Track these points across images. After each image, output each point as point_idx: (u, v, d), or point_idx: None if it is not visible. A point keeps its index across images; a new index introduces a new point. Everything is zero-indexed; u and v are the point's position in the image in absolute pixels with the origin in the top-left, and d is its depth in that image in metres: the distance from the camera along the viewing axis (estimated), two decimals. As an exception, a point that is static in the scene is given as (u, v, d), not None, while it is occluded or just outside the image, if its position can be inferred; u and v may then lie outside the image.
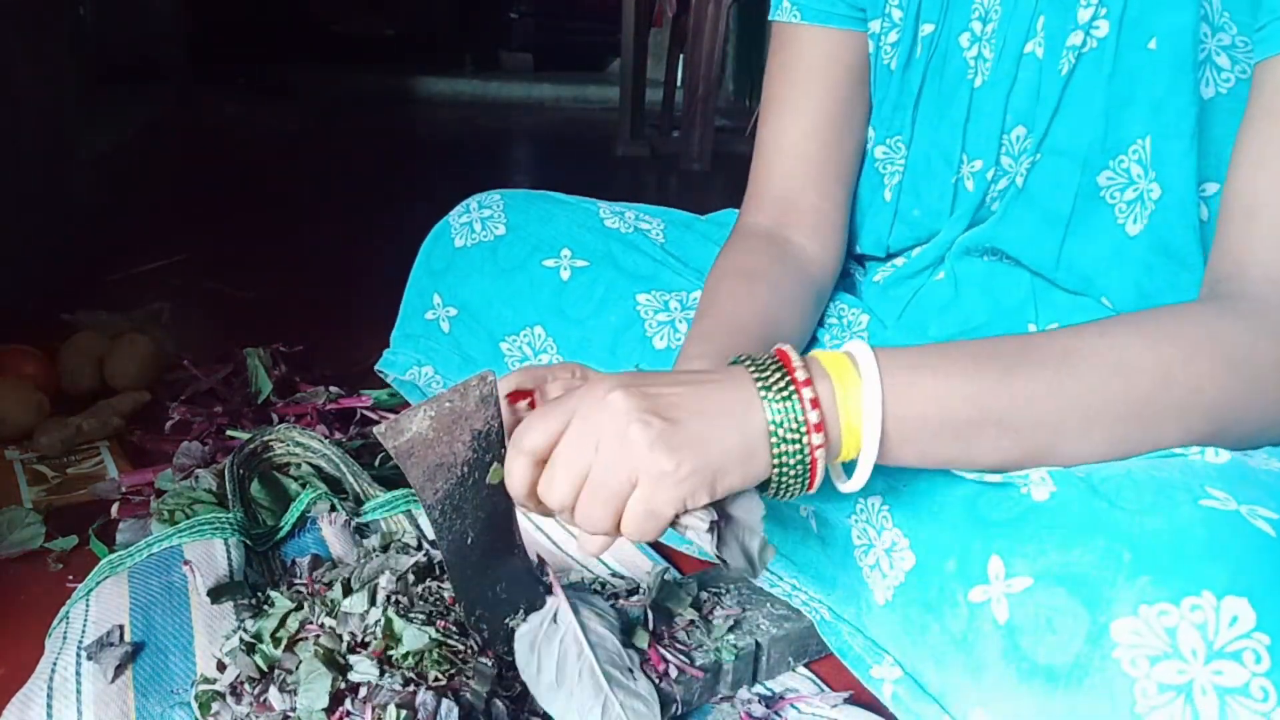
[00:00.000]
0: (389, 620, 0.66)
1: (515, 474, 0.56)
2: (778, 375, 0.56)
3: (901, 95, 0.82)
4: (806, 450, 0.55)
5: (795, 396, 0.55)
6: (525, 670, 0.65)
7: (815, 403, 0.55)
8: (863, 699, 0.71)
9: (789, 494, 0.57)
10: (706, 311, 0.77)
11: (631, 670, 0.60)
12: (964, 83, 0.78)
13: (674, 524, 0.55)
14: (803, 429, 0.54)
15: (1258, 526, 0.48)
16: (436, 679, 0.64)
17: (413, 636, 0.65)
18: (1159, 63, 0.67)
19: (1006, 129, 0.76)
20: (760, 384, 0.55)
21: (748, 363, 0.57)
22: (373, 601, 0.70)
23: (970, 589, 0.56)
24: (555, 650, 0.65)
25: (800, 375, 0.55)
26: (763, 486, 0.57)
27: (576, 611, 0.67)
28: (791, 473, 0.55)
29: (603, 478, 0.53)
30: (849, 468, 0.57)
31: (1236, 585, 0.46)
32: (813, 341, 0.86)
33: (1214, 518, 0.49)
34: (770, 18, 0.86)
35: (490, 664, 0.65)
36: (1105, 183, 0.72)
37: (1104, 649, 0.48)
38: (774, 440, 0.54)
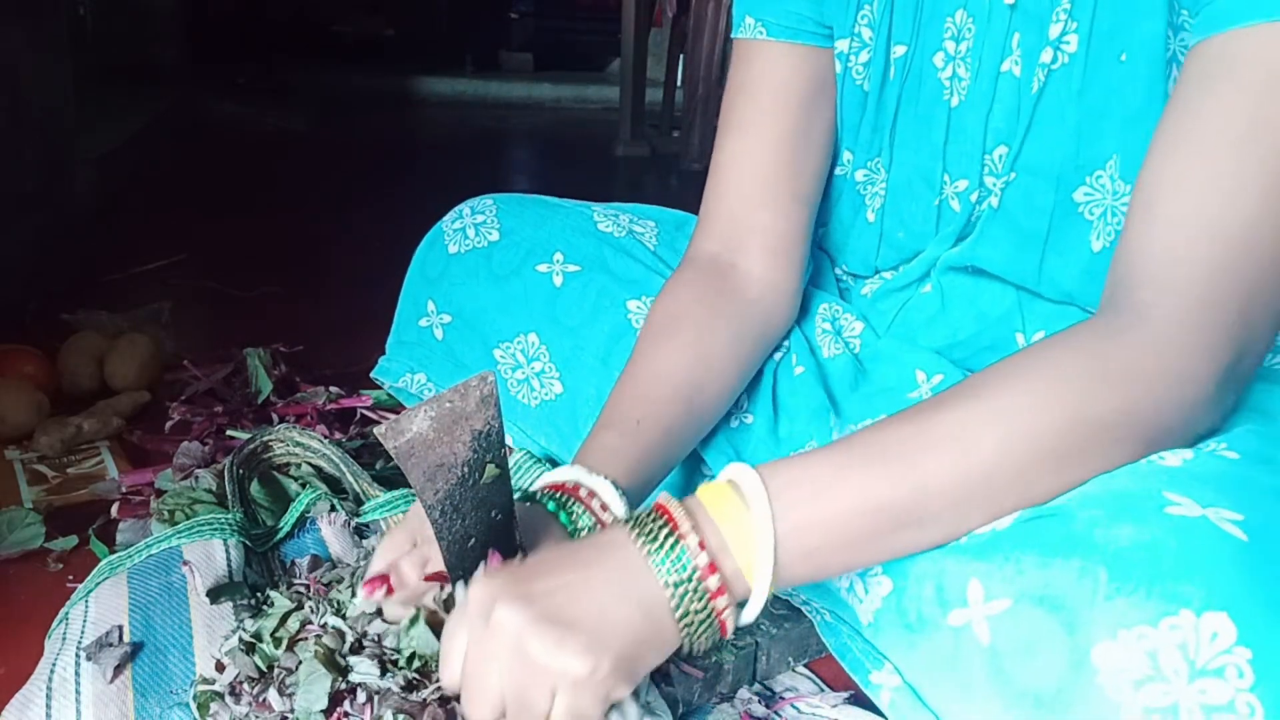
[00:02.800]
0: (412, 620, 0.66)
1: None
2: (663, 533, 0.56)
3: (879, 118, 0.81)
4: (709, 604, 0.55)
5: (683, 549, 0.55)
6: None
7: (712, 568, 0.55)
8: (863, 699, 0.71)
9: (703, 646, 0.57)
10: (628, 376, 0.77)
11: (645, 687, 0.60)
12: (940, 104, 0.77)
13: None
14: (700, 584, 0.55)
15: (1227, 531, 0.47)
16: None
17: (426, 642, 0.65)
18: (1132, 76, 0.66)
19: (988, 149, 0.75)
20: (646, 544, 0.56)
21: (630, 525, 0.57)
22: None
23: (950, 612, 0.55)
24: None
25: (685, 529, 0.55)
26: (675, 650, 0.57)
27: None
28: (701, 628, 0.56)
29: (520, 702, 0.53)
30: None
31: (1214, 600, 0.45)
32: (809, 348, 0.85)
33: (1183, 527, 0.48)
34: (733, 35, 0.84)
35: None
36: (1082, 199, 0.71)
37: (1086, 674, 0.48)
38: (675, 603, 0.55)
